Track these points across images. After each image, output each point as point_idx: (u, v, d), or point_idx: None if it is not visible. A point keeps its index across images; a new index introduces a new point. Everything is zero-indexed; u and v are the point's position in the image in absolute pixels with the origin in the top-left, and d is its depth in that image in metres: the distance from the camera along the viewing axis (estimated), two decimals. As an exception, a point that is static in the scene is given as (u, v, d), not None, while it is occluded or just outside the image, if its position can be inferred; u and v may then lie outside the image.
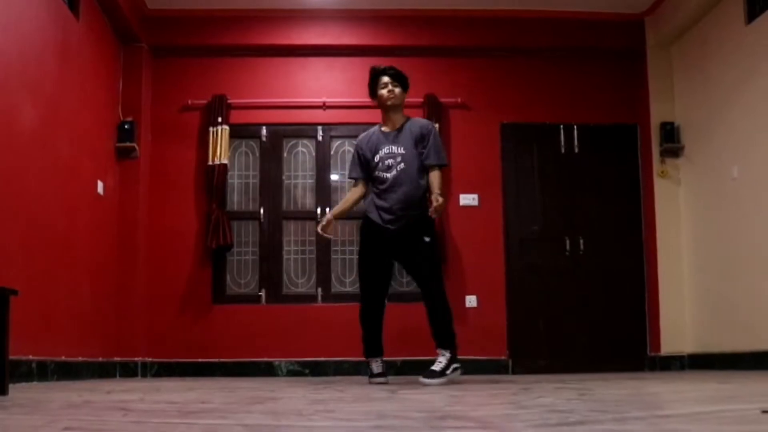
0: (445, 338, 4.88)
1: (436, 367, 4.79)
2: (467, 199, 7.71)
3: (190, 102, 7.71)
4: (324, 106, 7.79)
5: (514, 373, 7.42)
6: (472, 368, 7.29)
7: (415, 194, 4.95)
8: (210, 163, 7.50)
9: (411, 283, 7.46)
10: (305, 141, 7.89)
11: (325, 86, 7.84)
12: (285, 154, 7.86)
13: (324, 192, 7.79)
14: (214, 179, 7.46)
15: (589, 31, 7.90)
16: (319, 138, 7.85)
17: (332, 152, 7.88)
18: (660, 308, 7.59)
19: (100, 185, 6.79)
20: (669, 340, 7.55)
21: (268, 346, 7.41)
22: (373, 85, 5.11)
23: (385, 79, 5.06)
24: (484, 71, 7.97)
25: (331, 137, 7.88)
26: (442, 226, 7.33)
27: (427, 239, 4.93)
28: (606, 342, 7.61)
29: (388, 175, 4.97)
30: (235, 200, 7.79)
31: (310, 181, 7.85)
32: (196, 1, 7.59)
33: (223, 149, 7.50)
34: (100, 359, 6.66)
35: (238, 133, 7.76)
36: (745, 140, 6.72)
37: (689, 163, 7.64)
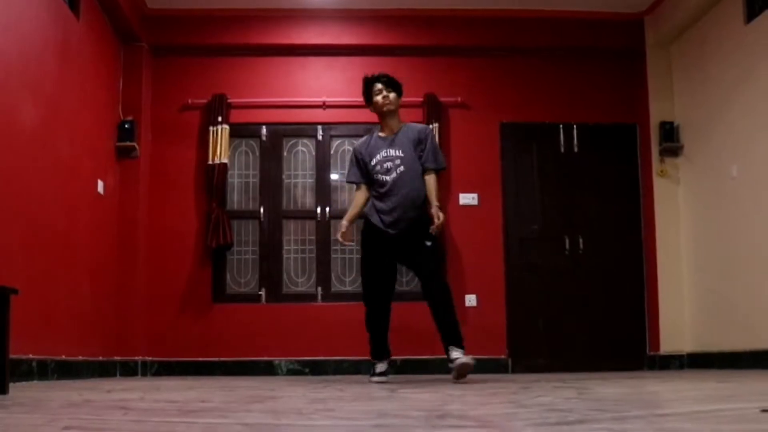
0: (456, 337, 4.86)
1: (456, 355, 4.76)
2: (467, 199, 7.72)
3: (190, 101, 7.71)
4: (324, 106, 7.80)
5: (513, 372, 7.42)
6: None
7: (416, 196, 5.00)
8: (210, 162, 7.51)
9: (411, 282, 7.48)
10: (305, 140, 7.90)
11: (325, 86, 7.85)
12: (285, 154, 7.86)
13: (324, 191, 7.80)
14: (214, 178, 7.46)
15: (589, 31, 7.90)
16: (319, 137, 7.86)
17: (332, 152, 7.88)
18: (659, 307, 7.60)
19: (100, 184, 6.80)
20: (668, 339, 7.56)
21: (268, 345, 7.42)
22: (368, 93, 5.18)
23: (379, 86, 5.12)
24: (484, 71, 7.97)
25: (331, 137, 7.88)
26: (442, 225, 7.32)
27: (428, 243, 4.97)
28: (605, 341, 7.61)
29: (388, 178, 5.01)
30: (235, 199, 7.79)
31: (310, 180, 7.85)
32: (196, 0, 7.59)
33: (223, 148, 7.51)
34: (101, 358, 6.66)
35: (238, 132, 7.77)
36: (744, 139, 6.73)
37: (688, 162, 7.65)
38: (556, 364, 7.35)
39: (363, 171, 5.17)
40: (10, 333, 3.73)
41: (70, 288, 6.09)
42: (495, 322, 7.54)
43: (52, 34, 5.77)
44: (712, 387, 3.75)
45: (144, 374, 7.21)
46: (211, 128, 7.56)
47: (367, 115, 5.66)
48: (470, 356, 4.76)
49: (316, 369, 7.34)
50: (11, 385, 3.74)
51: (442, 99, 7.76)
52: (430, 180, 5.03)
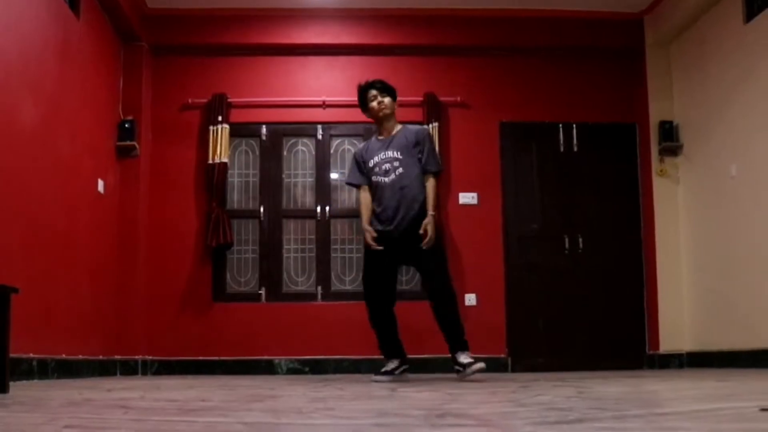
0: (461, 342, 4.95)
1: (467, 359, 4.84)
2: (466, 198, 7.72)
3: (190, 101, 7.72)
4: (324, 105, 7.80)
5: (513, 371, 7.43)
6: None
7: (414, 197, 5.03)
8: (210, 161, 7.51)
9: (410, 281, 7.50)
10: (305, 140, 7.90)
11: (325, 85, 7.85)
12: (285, 153, 7.86)
13: (324, 191, 7.80)
14: (214, 178, 7.46)
15: (588, 30, 7.90)
16: (319, 137, 7.86)
17: (332, 151, 7.89)
18: (659, 306, 7.60)
19: (100, 184, 6.80)
20: (668, 338, 7.56)
21: (268, 345, 7.42)
22: (363, 100, 5.24)
23: (373, 92, 5.19)
24: (484, 70, 7.98)
25: (331, 136, 7.89)
26: (441, 224, 7.33)
27: (431, 243, 5.00)
28: (605, 340, 7.62)
29: (386, 179, 5.06)
30: (235, 199, 7.80)
31: (309, 179, 7.86)
32: (196, 0, 7.59)
33: (223, 148, 7.51)
34: (101, 357, 6.67)
35: (238, 131, 7.77)
36: (743, 139, 6.73)
37: (688, 161, 7.65)
38: (556, 363, 7.35)
39: (363, 173, 5.21)
40: (11, 332, 3.73)
41: (70, 287, 6.09)
42: (494, 322, 7.54)
43: (53, 33, 5.78)
44: (711, 386, 3.75)
45: (144, 373, 7.22)
46: (211, 128, 7.57)
47: (367, 115, 5.67)
48: (480, 362, 4.83)
49: (316, 368, 7.34)
50: (11, 383, 3.74)
51: (442, 98, 7.76)
52: (430, 185, 5.07)
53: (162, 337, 7.38)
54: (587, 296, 7.67)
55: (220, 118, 7.55)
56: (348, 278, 7.68)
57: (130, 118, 7.34)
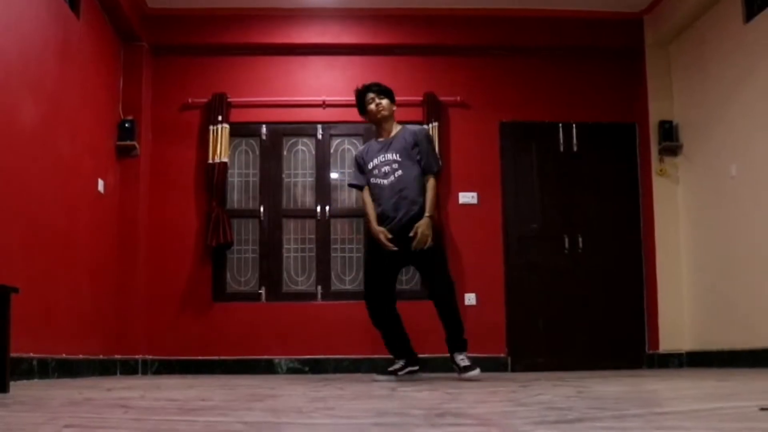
0: (462, 344, 5.06)
1: (466, 362, 4.96)
2: (466, 198, 7.72)
3: (190, 100, 7.72)
4: (324, 105, 7.80)
5: (513, 370, 7.43)
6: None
7: (414, 200, 5.06)
8: (210, 161, 7.51)
9: (410, 281, 7.50)
10: (305, 139, 7.90)
11: (325, 85, 7.85)
12: (285, 153, 7.87)
13: (324, 190, 7.80)
14: (215, 177, 7.47)
15: (588, 30, 7.91)
16: (319, 136, 7.86)
17: (332, 150, 7.89)
18: (658, 306, 7.60)
19: (100, 183, 6.80)
20: (667, 337, 7.57)
21: (268, 344, 7.43)
22: (361, 104, 5.30)
23: (371, 95, 5.25)
24: (484, 70, 7.98)
25: (331, 135, 7.89)
26: (441, 224, 7.34)
27: (430, 244, 5.03)
28: (604, 340, 7.62)
29: (386, 181, 5.11)
30: (235, 198, 7.80)
31: (309, 179, 7.86)
32: (197, 0, 7.60)
33: (223, 148, 7.51)
34: (101, 357, 6.67)
35: (238, 131, 7.77)
36: (743, 138, 6.73)
37: (688, 161, 7.65)
38: (556, 362, 7.35)
39: (365, 174, 5.24)
40: (11, 331, 3.73)
41: (70, 287, 6.10)
42: (494, 321, 7.55)
43: (53, 33, 5.78)
44: (711, 385, 3.76)
45: (144, 373, 7.22)
46: (211, 127, 7.57)
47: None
48: (476, 369, 4.92)
49: (316, 367, 7.35)
50: (12, 383, 3.74)
51: (442, 98, 7.76)
52: (429, 185, 5.11)
53: (162, 337, 7.38)
54: (587, 296, 7.67)
55: (220, 118, 7.55)
56: (348, 278, 7.68)
57: (130, 117, 7.34)
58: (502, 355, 7.53)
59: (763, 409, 2.13)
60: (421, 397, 3.15)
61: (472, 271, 7.60)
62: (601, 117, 7.97)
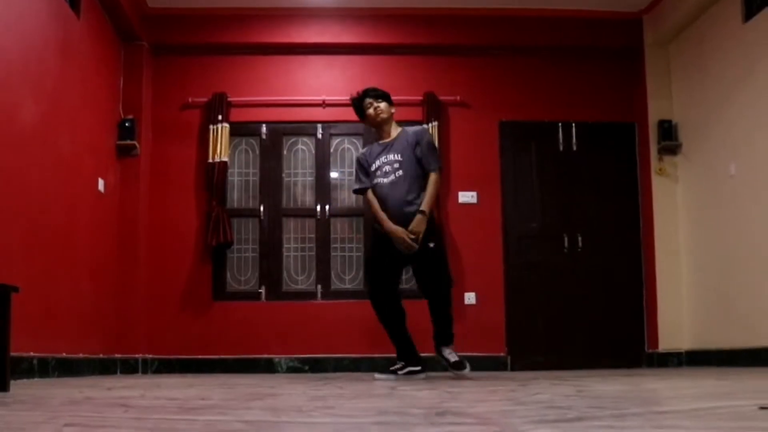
0: (449, 338, 5.22)
1: (456, 357, 5.15)
2: (466, 197, 7.73)
3: (190, 100, 7.72)
4: (323, 104, 7.81)
5: (512, 369, 7.44)
6: (470, 365, 7.30)
7: (414, 200, 5.07)
8: (210, 160, 7.52)
9: (410, 280, 7.49)
10: (305, 139, 7.91)
11: (325, 84, 7.85)
12: (285, 152, 7.87)
13: (323, 189, 7.80)
14: (215, 177, 7.47)
15: (588, 30, 7.91)
16: (319, 136, 7.86)
17: (332, 150, 7.89)
18: (658, 305, 7.61)
19: (100, 183, 6.81)
20: (666, 336, 7.57)
21: (268, 343, 7.43)
22: (360, 110, 5.36)
23: (368, 100, 5.31)
24: (483, 69, 7.98)
25: (331, 135, 7.89)
26: (441, 224, 7.34)
27: (431, 245, 5.09)
28: (604, 339, 7.63)
29: (387, 180, 5.15)
30: (235, 198, 7.80)
31: (309, 178, 7.86)
32: (197, -1, 7.62)
33: (223, 147, 7.52)
34: (101, 356, 6.67)
35: (238, 130, 7.78)
36: (742, 138, 6.74)
37: (687, 160, 7.66)
38: (555, 361, 7.35)
39: (369, 176, 5.27)
40: (11, 331, 3.74)
41: (70, 286, 6.10)
42: (494, 320, 7.55)
43: (53, 32, 5.78)
44: (710, 384, 3.76)
45: (144, 372, 7.23)
46: (211, 127, 7.57)
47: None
48: (468, 367, 5.14)
49: (316, 366, 7.35)
50: (12, 382, 3.74)
51: (442, 98, 7.77)
52: (430, 181, 5.13)
53: (162, 336, 7.39)
54: (586, 295, 7.68)
55: (220, 117, 7.55)
56: (348, 277, 7.69)
57: (130, 117, 7.34)
58: (501, 354, 7.54)
59: (762, 408, 2.13)
60: (421, 396, 3.15)
61: (472, 270, 7.61)
62: (600, 116, 7.98)
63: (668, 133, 7.70)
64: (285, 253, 7.72)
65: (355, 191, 5.48)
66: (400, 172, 5.10)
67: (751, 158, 6.60)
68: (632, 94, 8.00)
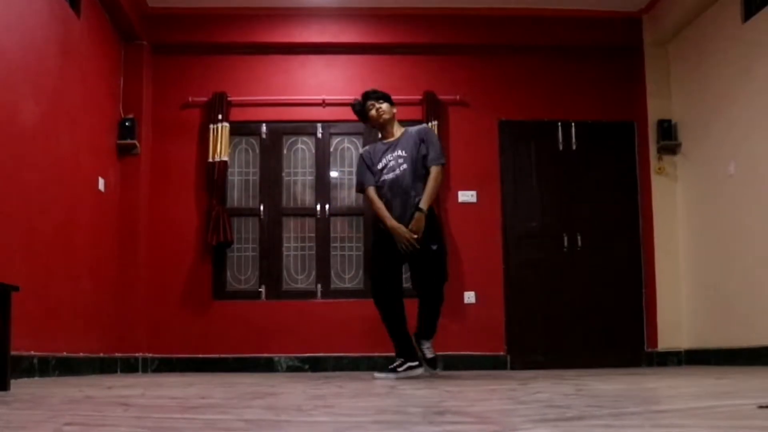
0: (432, 332, 5.28)
1: (432, 354, 5.22)
2: (465, 196, 7.73)
3: (190, 99, 7.72)
4: (323, 104, 7.81)
5: (512, 368, 7.44)
6: (470, 364, 7.34)
7: (418, 196, 5.08)
8: (210, 160, 7.52)
9: (409, 279, 7.49)
10: (305, 138, 7.91)
11: (325, 84, 7.86)
12: (285, 151, 7.87)
13: (323, 189, 7.81)
14: (215, 176, 7.48)
15: (587, 29, 7.91)
16: (319, 135, 7.87)
17: (332, 149, 7.89)
18: (657, 304, 7.62)
19: (101, 182, 6.81)
20: (666, 335, 7.58)
21: (268, 342, 7.44)
22: (362, 114, 5.39)
23: (369, 102, 5.32)
24: (483, 69, 7.99)
25: (331, 134, 7.89)
26: (442, 223, 7.34)
27: (434, 247, 5.11)
28: (603, 338, 7.63)
29: (392, 176, 5.16)
30: (235, 197, 7.80)
31: (309, 178, 7.87)
32: (197, -2, 7.62)
33: (223, 146, 7.52)
34: (101, 355, 6.68)
35: (239, 130, 7.78)
36: (741, 137, 6.74)
37: (686, 160, 7.66)
38: (555, 360, 7.36)
39: (372, 173, 5.27)
40: (12, 330, 3.74)
41: (71, 285, 6.11)
42: (493, 319, 7.56)
43: (53, 32, 5.79)
44: (709, 383, 3.77)
45: (145, 371, 7.23)
46: (211, 126, 7.58)
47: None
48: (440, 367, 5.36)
49: (316, 365, 7.36)
50: (12, 381, 3.75)
51: (441, 97, 7.77)
52: (432, 175, 5.14)
53: (162, 335, 7.39)
54: (586, 294, 7.68)
55: (220, 117, 7.56)
56: (347, 276, 7.69)
57: (130, 116, 7.35)
58: (501, 353, 7.54)
59: (761, 407, 2.14)
60: (420, 394, 3.16)
61: (472, 269, 7.61)
62: (600, 116, 7.98)
63: (667, 132, 7.70)
64: (285, 253, 7.72)
65: (358, 187, 5.47)
66: (405, 166, 5.13)
67: (751, 157, 6.60)
68: (632, 94, 8.00)
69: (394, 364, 5.20)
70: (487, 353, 7.46)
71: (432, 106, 7.67)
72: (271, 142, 7.85)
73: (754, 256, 6.50)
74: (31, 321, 5.05)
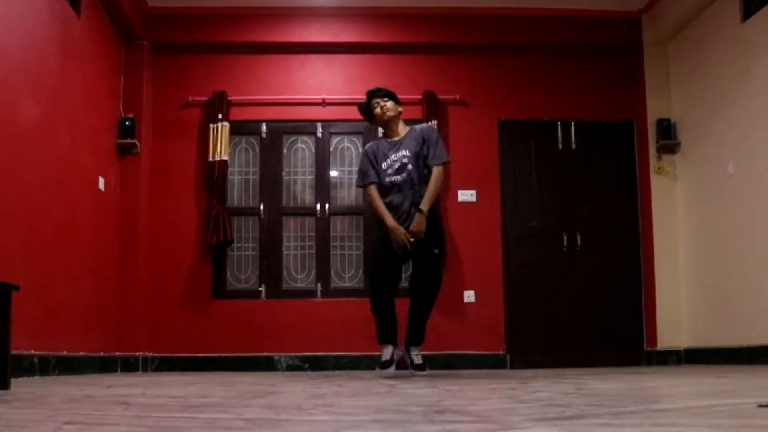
0: (421, 339, 5.32)
1: (420, 360, 5.25)
2: (465, 195, 7.73)
3: (190, 99, 7.72)
4: (323, 103, 7.81)
5: (511, 367, 7.44)
6: (470, 363, 7.34)
7: (422, 196, 5.10)
8: (210, 159, 7.52)
9: (406, 279, 7.50)
10: (305, 137, 7.91)
11: (325, 83, 7.86)
12: (285, 151, 7.87)
13: (323, 188, 7.81)
14: (215, 175, 7.48)
15: (587, 29, 7.91)
16: (319, 134, 7.87)
17: (331, 149, 7.90)
18: (657, 303, 7.62)
19: (101, 181, 6.81)
20: (665, 335, 7.58)
21: (268, 341, 7.44)
22: (368, 113, 5.39)
23: (375, 100, 5.33)
24: (483, 68, 7.99)
25: (331, 134, 7.90)
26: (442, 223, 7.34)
27: (436, 251, 5.15)
28: (603, 337, 7.63)
29: (398, 178, 5.16)
30: (235, 196, 7.80)
31: (309, 177, 7.87)
32: (197, -2, 7.62)
33: (223, 146, 7.52)
34: (101, 354, 6.68)
35: (238, 129, 7.78)
36: (740, 136, 6.74)
37: (685, 159, 7.66)
38: (554, 359, 7.36)
39: (375, 170, 5.26)
40: (12, 329, 3.75)
41: (71, 284, 6.11)
42: (493, 318, 7.56)
43: (54, 31, 5.79)
44: (709, 383, 3.77)
45: (145, 370, 7.24)
46: (211, 125, 7.58)
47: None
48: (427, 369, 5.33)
49: (316, 364, 7.36)
50: (13, 380, 3.75)
51: (441, 96, 7.77)
52: (434, 175, 5.15)
53: (162, 334, 7.39)
54: (585, 293, 7.69)
55: (220, 116, 7.56)
56: (347, 275, 7.70)
57: (130, 115, 7.35)
58: (500, 352, 7.54)
59: (760, 406, 2.14)
60: (420, 394, 3.16)
61: (471, 268, 7.61)
62: (599, 115, 7.98)
63: (667, 131, 7.70)
64: (285, 252, 7.73)
65: (359, 181, 5.46)
66: (410, 167, 5.14)
67: (750, 157, 6.61)
68: (631, 93, 8.00)
69: (386, 357, 5.23)
70: (487, 352, 7.46)
71: (432, 106, 7.67)
72: (271, 142, 7.85)
73: (754, 255, 6.51)
74: (32, 320, 5.05)
